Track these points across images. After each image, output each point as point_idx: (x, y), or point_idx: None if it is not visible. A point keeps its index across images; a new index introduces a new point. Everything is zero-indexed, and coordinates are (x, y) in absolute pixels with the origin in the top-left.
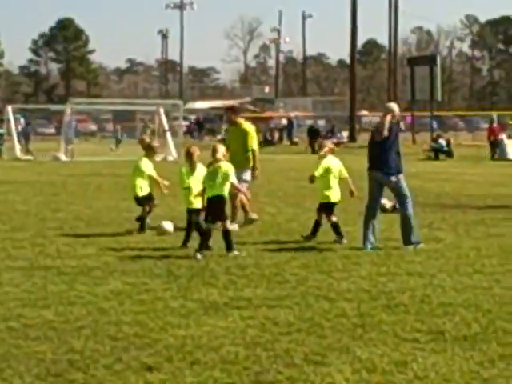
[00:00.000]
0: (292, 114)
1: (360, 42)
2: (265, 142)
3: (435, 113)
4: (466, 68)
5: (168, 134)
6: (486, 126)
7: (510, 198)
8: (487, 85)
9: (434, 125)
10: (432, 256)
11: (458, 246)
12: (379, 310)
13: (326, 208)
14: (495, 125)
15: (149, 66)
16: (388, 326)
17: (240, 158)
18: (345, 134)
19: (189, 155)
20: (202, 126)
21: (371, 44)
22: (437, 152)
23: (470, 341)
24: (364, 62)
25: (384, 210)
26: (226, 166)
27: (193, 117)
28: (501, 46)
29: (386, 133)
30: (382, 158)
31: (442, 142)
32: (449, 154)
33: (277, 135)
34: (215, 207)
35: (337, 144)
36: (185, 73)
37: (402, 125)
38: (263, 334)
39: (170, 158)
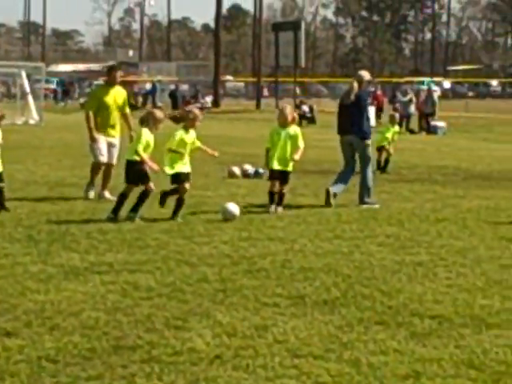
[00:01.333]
0: (156, 79)
1: (225, 6)
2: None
3: (299, 79)
4: (330, 35)
5: (29, 97)
6: None
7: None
8: (350, 52)
9: (298, 91)
10: (294, 221)
11: (319, 212)
12: (240, 274)
13: (285, 176)
14: (379, 92)
15: (11, 27)
16: (249, 291)
17: (117, 122)
18: (208, 99)
19: None
20: (67, 89)
21: (236, 9)
22: (300, 118)
23: (329, 305)
24: (229, 27)
25: (246, 175)
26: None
27: (55, 79)
28: (364, 14)
29: (352, 97)
30: (351, 122)
31: (305, 108)
32: (312, 120)
33: (140, 100)
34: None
35: (201, 109)
36: (48, 35)
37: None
38: (124, 299)
39: (32, 121)
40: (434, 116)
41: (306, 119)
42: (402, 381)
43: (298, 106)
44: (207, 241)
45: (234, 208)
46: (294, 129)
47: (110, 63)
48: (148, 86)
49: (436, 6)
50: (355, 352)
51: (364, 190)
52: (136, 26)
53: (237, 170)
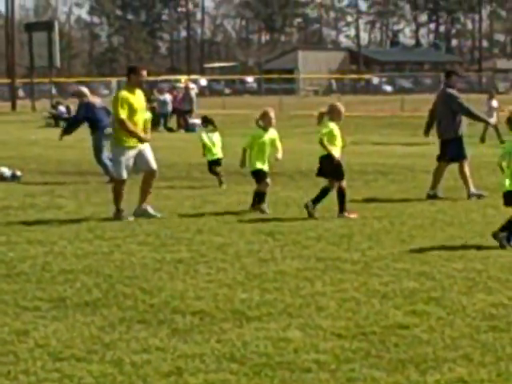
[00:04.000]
0: None
1: None
2: None
3: (55, 79)
4: (85, 34)
5: None
6: (107, 92)
7: None
8: (106, 51)
9: (54, 91)
10: (53, 223)
11: (78, 213)
12: (0, 279)
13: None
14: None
15: None
16: (9, 296)
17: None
18: None
19: None
20: None
21: None
22: (57, 119)
23: (91, 306)
24: None
25: (3, 178)
26: None
27: None
28: (118, 12)
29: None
30: None
31: (62, 108)
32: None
33: None
34: None
35: None
36: None
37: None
38: None
39: None
40: (191, 113)
41: (64, 119)
42: (164, 378)
43: (54, 107)
44: None
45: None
46: (273, 131)
47: None
48: None
49: (190, 5)
50: (118, 352)
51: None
52: None
53: None
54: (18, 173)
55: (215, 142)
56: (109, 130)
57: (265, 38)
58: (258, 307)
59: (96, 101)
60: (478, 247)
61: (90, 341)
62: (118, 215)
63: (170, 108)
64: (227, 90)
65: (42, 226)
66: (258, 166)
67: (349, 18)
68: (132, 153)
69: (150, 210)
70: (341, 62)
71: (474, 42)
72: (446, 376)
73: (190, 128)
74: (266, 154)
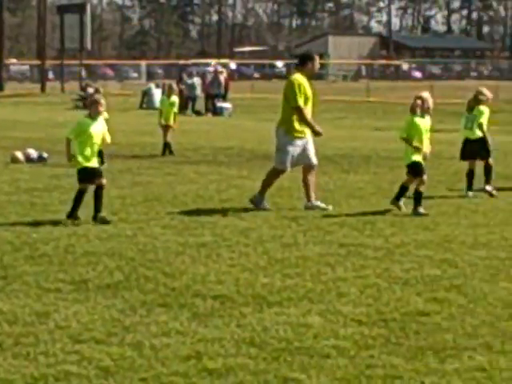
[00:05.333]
0: None
1: None
2: None
3: (85, 61)
4: (117, 16)
5: None
6: (135, 75)
7: (156, 147)
8: (137, 34)
9: (83, 73)
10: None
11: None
12: (22, 260)
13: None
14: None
15: None
16: (31, 277)
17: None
18: None
19: None
20: None
21: None
22: (85, 101)
23: (112, 289)
24: (13, 9)
25: (30, 159)
26: None
27: None
28: None
29: None
30: None
31: (91, 90)
32: None
33: None
34: None
35: None
36: None
37: None
38: None
39: None
40: (225, 97)
41: None
42: (183, 362)
43: (83, 89)
44: None
45: None
46: (428, 119)
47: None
48: None
49: None
50: (138, 335)
51: None
52: None
53: (20, 155)
54: (45, 154)
55: None
56: None
57: (296, 22)
58: (279, 292)
59: None
60: (502, 235)
61: (111, 323)
62: (257, 203)
63: (198, 92)
64: (256, 75)
65: (66, 207)
66: (414, 158)
67: (381, 4)
68: (301, 143)
69: (319, 203)
70: (371, 48)
71: (505, 28)
72: (466, 364)
73: (217, 111)
74: (424, 144)
